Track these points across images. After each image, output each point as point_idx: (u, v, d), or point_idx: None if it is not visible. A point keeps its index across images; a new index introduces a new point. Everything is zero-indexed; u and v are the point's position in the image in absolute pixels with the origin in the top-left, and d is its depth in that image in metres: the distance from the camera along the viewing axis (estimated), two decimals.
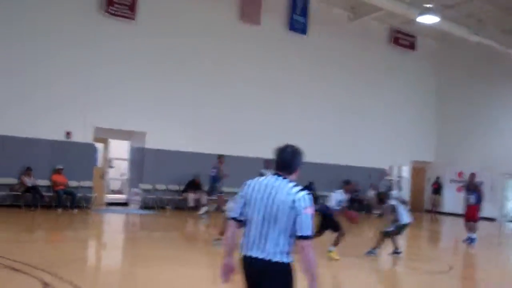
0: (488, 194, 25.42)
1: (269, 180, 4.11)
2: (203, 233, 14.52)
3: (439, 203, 27.10)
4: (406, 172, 27.43)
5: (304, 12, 22.07)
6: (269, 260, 3.97)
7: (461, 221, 16.55)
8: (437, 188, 26.96)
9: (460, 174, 26.63)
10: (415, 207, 26.31)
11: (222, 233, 10.95)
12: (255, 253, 4.03)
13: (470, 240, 15.24)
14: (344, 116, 23.96)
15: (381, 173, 25.25)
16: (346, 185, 11.41)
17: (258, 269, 4.02)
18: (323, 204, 11.85)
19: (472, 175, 17.47)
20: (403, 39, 26.08)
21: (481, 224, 16.95)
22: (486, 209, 24.82)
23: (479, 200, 16.22)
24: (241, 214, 4.19)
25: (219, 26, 20.22)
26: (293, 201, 3.94)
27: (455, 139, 26.91)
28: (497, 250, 16.46)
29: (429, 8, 19.07)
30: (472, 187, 16.51)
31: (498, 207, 25.49)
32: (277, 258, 3.96)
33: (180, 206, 19.47)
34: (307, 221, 3.93)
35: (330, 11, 23.19)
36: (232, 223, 4.26)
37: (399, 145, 26.01)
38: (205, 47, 19.88)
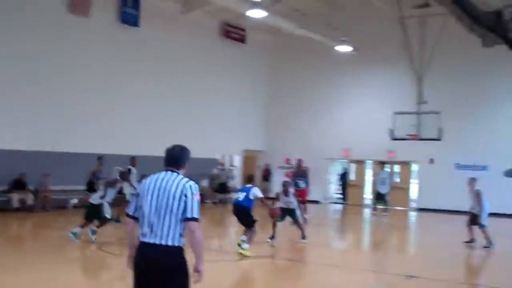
0: (313, 178, 27.38)
1: (162, 175, 4.67)
2: (30, 236, 13.98)
3: (269, 189, 28.53)
4: (238, 161, 28.41)
5: (136, 5, 21.91)
6: (163, 245, 4.46)
7: None
8: (267, 175, 28.37)
9: (287, 160, 28.31)
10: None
11: None
12: (151, 240, 4.50)
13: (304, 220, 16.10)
14: (176, 108, 24.16)
15: (214, 163, 25.98)
16: None
17: (153, 253, 4.48)
18: None
19: (300, 161, 18.72)
20: (234, 32, 26.92)
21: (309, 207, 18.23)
22: (312, 192, 26.80)
23: (307, 184, 17.55)
24: (135, 210, 4.73)
25: (45, 17, 19.35)
26: (182, 190, 4.52)
27: (284, 128, 28.40)
28: (321, 229, 17.83)
29: (257, 2, 19.75)
30: (301, 172, 17.76)
31: (322, 190, 27.52)
32: (170, 243, 4.46)
33: (4, 208, 18.02)
34: (195, 205, 4.52)
35: (162, 4, 23.26)
36: (128, 220, 4.81)
37: (231, 135, 26.78)
38: (28, 37, 18.84)
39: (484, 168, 23.50)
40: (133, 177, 16.74)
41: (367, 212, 24.35)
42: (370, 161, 26.87)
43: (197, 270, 4.54)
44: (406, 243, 17.19)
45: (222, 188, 25.15)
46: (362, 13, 25.21)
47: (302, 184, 17.42)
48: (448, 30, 19.74)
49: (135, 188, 15.06)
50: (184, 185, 4.55)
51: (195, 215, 4.50)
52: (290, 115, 28.33)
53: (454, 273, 10.87)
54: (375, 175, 23.21)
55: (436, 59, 21.25)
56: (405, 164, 25.70)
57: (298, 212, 13.45)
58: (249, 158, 28.70)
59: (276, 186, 28.20)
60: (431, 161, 24.90)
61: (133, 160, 17.76)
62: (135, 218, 4.73)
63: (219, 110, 26.23)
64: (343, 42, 24.21)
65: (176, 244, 4.48)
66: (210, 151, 25.29)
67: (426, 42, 21.93)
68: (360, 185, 27.22)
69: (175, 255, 4.49)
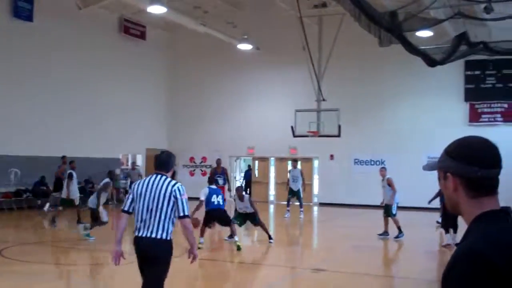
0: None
1: (153, 178, 5.58)
2: None
3: None
4: (140, 160, 27.91)
5: None
6: (155, 237, 5.37)
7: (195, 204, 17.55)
8: (172, 174, 28.03)
9: (191, 159, 28.20)
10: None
11: None
12: (144, 233, 5.40)
13: None
14: (74, 107, 23.32)
15: (117, 163, 25.37)
16: None
17: (147, 244, 5.40)
18: None
19: (219, 160, 18.87)
20: (134, 28, 26.39)
21: None
22: None
23: (225, 181, 18.04)
24: (129, 207, 5.59)
25: None
26: (171, 192, 5.41)
27: (187, 126, 28.20)
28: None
29: None
30: (220, 171, 18.03)
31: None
32: (159, 236, 5.36)
33: None
34: (185, 204, 5.45)
35: None
36: (123, 215, 5.64)
37: (133, 134, 26.28)
38: None
39: (381, 163, 24.55)
40: (75, 181, 16.00)
41: (271, 208, 24.74)
42: (273, 158, 27.28)
43: (192, 253, 5.62)
44: (313, 237, 17.62)
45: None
46: (264, 12, 25.50)
47: (220, 181, 17.58)
48: (346, 29, 20.40)
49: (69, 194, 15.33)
50: (172, 187, 5.46)
51: (186, 213, 5.46)
52: (194, 113, 28.17)
53: (361, 265, 11.26)
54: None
55: (335, 58, 21.91)
56: (307, 160, 26.33)
57: (258, 215, 13.34)
58: (152, 157, 28.17)
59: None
60: (331, 157, 25.68)
61: (72, 163, 16.86)
62: (129, 213, 5.60)
63: (120, 108, 25.60)
64: (244, 41, 24.40)
65: (164, 237, 5.39)
66: (111, 150, 24.68)
67: (324, 41, 22.59)
68: (264, 182, 27.57)
69: (162, 246, 5.41)
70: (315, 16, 23.11)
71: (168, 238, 5.42)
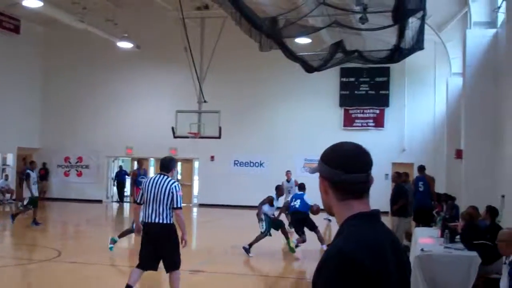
0: (95, 177, 26.65)
1: (157, 177, 7.35)
2: None
3: (47, 189, 27.08)
4: (11, 160, 26.45)
5: None
6: (161, 222, 7.25)
7: (70, 206, 16.98)
8: (44, 174, 26.85)
9: (66, 159, 27.15)
10: (20, 195, 25.68)
11: None
12: (153, 219, 7.24)
13: None
14: None
15: None
16: None
17: (155, 228, 7.27)
18: None
19: (140, 161, 17.60)
20: (7, 22, 24.98)
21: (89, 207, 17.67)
22: (94, 191, 26.02)
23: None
24: (141, 199, 7.41)
25: None
26: (170, 189, 7.25)
27: (62, 125, 27.11)
28: (105, 229, 17.40)
29: None
30: (143, 172, 16.82)
31: (104, 189, 26.94)
32: (165, 221, 7.25)
33: None
34: (179, 199, 7.31)
35: None
36: (136, 206, 7.73)
37: (3, 132, 24.88)
38: None
39: (260, 165, 25.07)
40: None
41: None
42: (153, 159, 26.87)
43: (183, 239, 7.51)
44: (192, 239, 17.54)
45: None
46: (146, 11, 25.08)
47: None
48: (228, 32, 20.57)
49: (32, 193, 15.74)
50: (171, 185, 7.27)
51: (179, 205, 7.32)
52: (69, 111, 27.14)
53: (239, 266, 11.37)
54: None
55: (216, 60, 22.01)
56: (188, 161, 26.23)
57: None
58: (22, 156, 26.82)
59: (55, 186, 26.89)
60: (212, 158, 25.80)
61: (32, 163, 17.35)
62: (140, 204, 7.41)
63: None
64: (124, 39, 23.88)
65: (168, 222, 7.29)
66: None
67: (206, 43, 22.64)
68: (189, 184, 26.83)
69: (168, 228, 7.31)
70: (197, 18, 23.09)
71: (171, 222, 7.31)
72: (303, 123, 24.79)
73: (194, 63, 21.03)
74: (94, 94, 26.98)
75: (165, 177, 7.32)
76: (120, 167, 27.41)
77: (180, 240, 7.46)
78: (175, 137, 21.75)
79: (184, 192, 24.59)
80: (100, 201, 25.80)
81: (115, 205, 26.43)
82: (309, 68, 17.59)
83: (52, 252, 11.73)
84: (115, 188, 27.19)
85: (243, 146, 25.34)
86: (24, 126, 26.49)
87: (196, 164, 26.71)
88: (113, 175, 27.32)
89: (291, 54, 16.07)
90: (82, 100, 27.06)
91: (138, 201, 7.47)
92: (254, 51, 17.49)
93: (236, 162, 25.59)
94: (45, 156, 27.26)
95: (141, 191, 7.44)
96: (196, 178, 26.82)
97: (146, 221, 7.28)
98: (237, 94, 25.18)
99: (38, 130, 27.52)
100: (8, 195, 24.69)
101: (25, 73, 26.54)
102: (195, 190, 26.74)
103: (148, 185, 7.33)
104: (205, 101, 21.88)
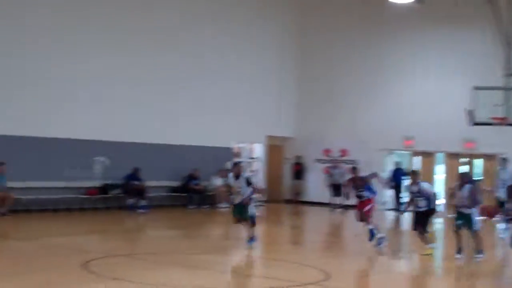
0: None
1: None
2: None
3: (302, 190, 27.74)
4: (259, 151, 27.73)
5: None
6: None
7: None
8: (299, 171, 27.50)
9: (327, 151, 27.47)
10: (272, 196, 26.71)
11: None
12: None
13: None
14: (178, 88, 23.77)
15: (228, 154, 25.27)
16: None
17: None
18: None
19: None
20: None
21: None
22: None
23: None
24: None
25: None
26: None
27: (322, 109, 27.64)
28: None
29: None
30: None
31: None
32: None
33: None
34: None
35: None
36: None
37: (250, 119, 26.18)
38: None
39: None
40: None
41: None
42: (441, 154, 25.79)
43: None
44: None
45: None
46: None
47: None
48: None
49: None
50: None
51: None
52: (328, 92, 27.56)
53: None
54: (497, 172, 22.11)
55: None
56: (490, 158, 24.61)
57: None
58: (272, 147, 27.87)
59: (312, 186, 27.43)
60: None
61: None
62: None
63: (236, 88, 25.78)
64: None
65: None
66: (222, 138, 24.68)
67: None
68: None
69: None
70: None
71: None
72: None
73: (500, 18, 19.85)
74: (360, 69, 27.06)
75: None
76: (397, 163, 26.60)
77: None
78: (472, 124, 20.93)
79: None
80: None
81: (391, 214, 25.85)
82: None
83: (317, 274, 11.56)
84: (390, 192, 26.37)
85: None
86: (276, 111, 27.59)
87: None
88: (387, 174, 26.42)
89: None
90: (347, 78, 27.29)
91: None
92: None
93: None
94: (299, 148, 28.01)
95: None
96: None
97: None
98: None
99: (293, 116, 28.45)
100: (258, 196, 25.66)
101: (277, 50, 27.76)
102: None
103: None
104: None
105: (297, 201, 27.03)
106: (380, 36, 26.67)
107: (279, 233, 19.23)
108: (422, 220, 13.85)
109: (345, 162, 26.38)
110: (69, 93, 20.45)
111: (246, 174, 15.18)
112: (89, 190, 20.94)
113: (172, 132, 23.10)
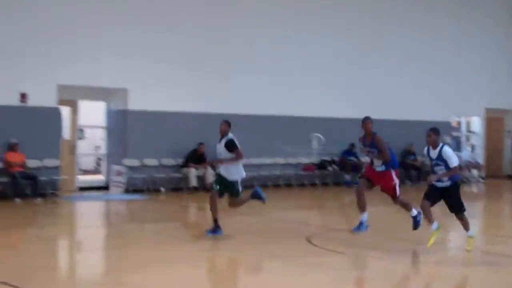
0: None
1: None
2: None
3: None
4: (477, 125, 26.91)
5: None
6: None
7: None
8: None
9: None
10: (492, 172, 25.91)
11: None
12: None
13: None
14: (398, 60, 24.20)
15: (445, 128, 24.80)
16: None
17: None
18: None
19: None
20: None
21: None
22: None
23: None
24: None
25: None
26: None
27: None
28: None
29: None
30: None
31: None
32: None
33: (179, 187, 19.26)
34: None
35: None
36: None
37: (467, 90, 25.55)
38: None
39: None
40: None
41: None
42: None
43: None
44: None
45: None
46: None
47: None
48: None
49: None
50: None
51: None
52: None
53: None
54: None
55: None
56: None
57: None
58: (491, 120, 26.92)
59: None
60: None
61: None
62: None
63: (451, 57, 25.46)
64: None
65: None
66: (439, 111, 24.25)
67: None
68: None
69: None
70: None
71: None
72: None
73: None
74: None
75: None
76: None
77: None
78: None
79: None
80: None
81: None
82: None
83: None
84: None
85: None
86: (494, 81, 26.79)
87: None
88: None
89: None
90: None
91: None
92: None
93: None
94: None
95: None
96: None
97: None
98: None
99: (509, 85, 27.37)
100: (475, 172, 24.97)
101: (496, 13, 26.78)
102: None
103: None
104: None
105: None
106: None
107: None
108: None
109: None
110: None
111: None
112: (306, 166, 21.52)
113: (391, 107, 23.21)
